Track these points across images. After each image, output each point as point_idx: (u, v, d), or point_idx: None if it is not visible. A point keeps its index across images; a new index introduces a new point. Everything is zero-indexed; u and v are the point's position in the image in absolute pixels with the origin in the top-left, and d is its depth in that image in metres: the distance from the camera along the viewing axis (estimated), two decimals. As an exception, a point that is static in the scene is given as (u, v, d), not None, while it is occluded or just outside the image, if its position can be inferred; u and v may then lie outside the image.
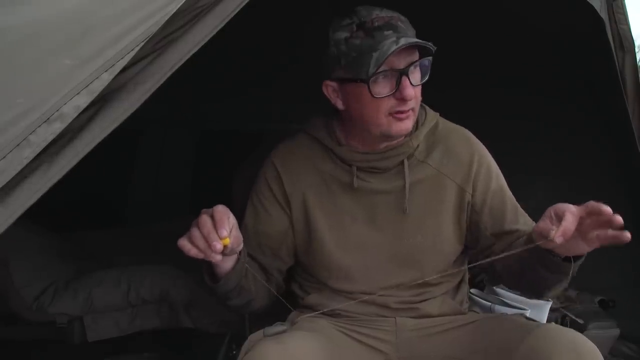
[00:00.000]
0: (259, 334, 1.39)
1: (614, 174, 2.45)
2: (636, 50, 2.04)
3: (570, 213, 1.22)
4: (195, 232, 1.24)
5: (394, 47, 1.32)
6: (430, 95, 1.57)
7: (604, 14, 1.88)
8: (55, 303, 2.47)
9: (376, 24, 1.36)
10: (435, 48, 1.37)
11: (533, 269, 1.38)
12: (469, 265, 1.57)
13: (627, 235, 1.18)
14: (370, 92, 1.36)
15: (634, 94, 2.03)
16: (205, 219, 1.25)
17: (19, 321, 2.51)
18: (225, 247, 1.25)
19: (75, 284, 2.54)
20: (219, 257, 1.26)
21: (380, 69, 1.35)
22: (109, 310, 2.55)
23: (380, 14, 1.38)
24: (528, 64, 2.62)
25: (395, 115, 1.40)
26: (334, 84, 1.44)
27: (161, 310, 2.60)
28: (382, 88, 1.37)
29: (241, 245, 1.36)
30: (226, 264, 1.37)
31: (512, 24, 2.38)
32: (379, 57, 1.33)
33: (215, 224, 1.24)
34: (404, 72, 1.36)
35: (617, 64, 1.98)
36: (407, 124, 1.42)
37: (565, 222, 1.22)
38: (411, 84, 1.38)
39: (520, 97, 2.72)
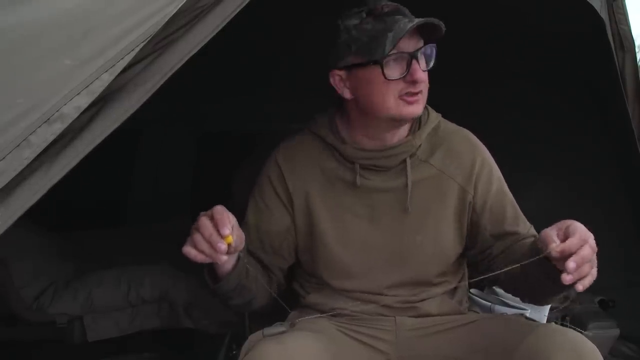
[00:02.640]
0: (258, 334, 1.40)
1: (614, 174, 2.45)
2: (636, 50, 2.04)
3: (579, 236, 1.21)
4: (197, 236, 1.24)
5: (410, 25, 1.35)
6: (430, 93, 1.57)
7: (604, 14, 1.88)
8: (55, 303, 2.48)
9: (385, 10, 1.40)
10: (445, 29, 1.39)
11: (535, 277, 1.37)
12: (472, 280, 1.57)
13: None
14: (383, 73, 1.38)
15: (634, 94, 2.03)
16: (204, 221, 1.25)
17: (19, 322, 2.51)
18: (229, 245, 1.24)
19: (75, 284, 2.54)
20: (224, 258, 1.25)
21: (392, 52, 1.37)
22: (109, 310, 2.55)
23: (389, 3, 1.41)
24: (528, 63, 2.62)
25: (405, 97, 1.41)
26: (341, 72, 1.45)
27: (161, 310, 2.60)
28: (394, 71, 1.39)
29: (243, 244, 1.36)
30: (227, 265, 1.37)
31: (512, 24, 2.38)
32: (395, 36, 1.36)
33: (215, 223, 1.24)
34: (414, 56, 1.39)
35: (617, 64, 1.98)
36: (417, 108, 1.43)
37: (570, 242, 1.20)
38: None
39: (520, 97, 2.72)
